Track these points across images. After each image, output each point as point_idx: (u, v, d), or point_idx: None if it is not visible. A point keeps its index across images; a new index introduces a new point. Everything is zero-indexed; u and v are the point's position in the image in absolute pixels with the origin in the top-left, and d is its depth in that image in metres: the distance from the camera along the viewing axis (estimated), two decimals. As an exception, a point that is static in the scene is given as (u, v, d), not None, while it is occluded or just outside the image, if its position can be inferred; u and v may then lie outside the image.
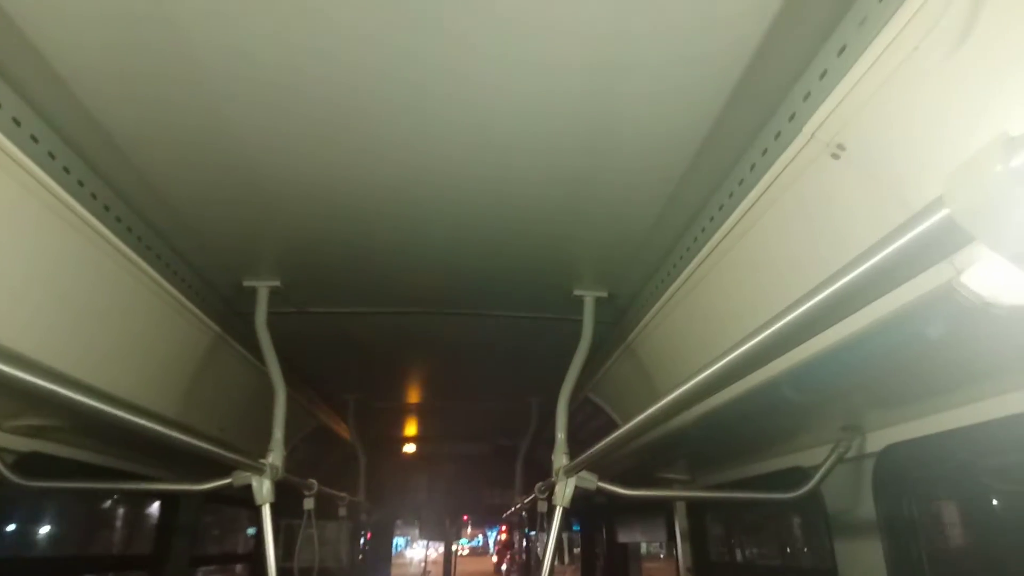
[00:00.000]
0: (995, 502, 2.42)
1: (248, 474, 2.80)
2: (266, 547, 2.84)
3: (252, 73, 1.60)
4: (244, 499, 2.87)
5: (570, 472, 2.74)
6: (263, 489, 2.82)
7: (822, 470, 2.46)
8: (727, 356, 1.24)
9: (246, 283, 2.94)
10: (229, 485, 2.79)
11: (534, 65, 1.58)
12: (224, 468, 2.79)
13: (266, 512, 2.85)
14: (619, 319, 3.32)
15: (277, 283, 2.95)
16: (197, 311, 2.85)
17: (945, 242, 0.73)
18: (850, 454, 2.43)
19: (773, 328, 1.08)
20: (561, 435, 3.09)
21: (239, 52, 1.53)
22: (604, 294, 3.05)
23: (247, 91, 1.67)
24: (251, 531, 5.89)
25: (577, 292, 3.05)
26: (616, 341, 3.46)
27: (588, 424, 4.47)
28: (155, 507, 4.02)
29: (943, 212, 0.70)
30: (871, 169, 1.49)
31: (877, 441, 2.37)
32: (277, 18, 1.44)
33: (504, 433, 7.35)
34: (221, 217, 2.34)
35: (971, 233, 0.69)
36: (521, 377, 4.95)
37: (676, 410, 1.68)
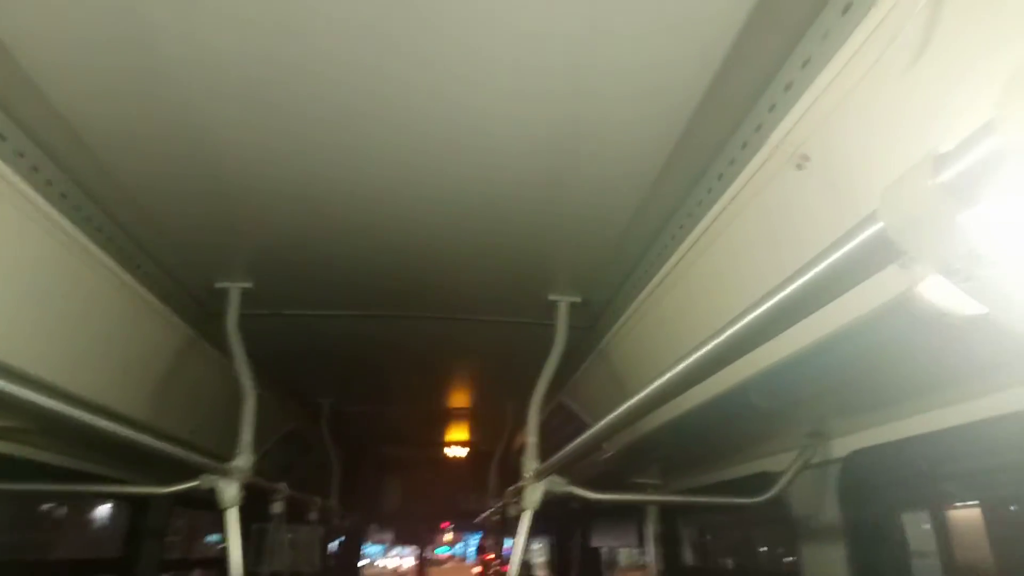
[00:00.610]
0: (957, 508, 2.48)
1: (215, 477, 2.78)
2: (231, 552, 2.81)
3: (224, 66, 1.59)
4: (217, 503, 2.84)
5: (540, 476, 2.76)
6: (230, 492, 2.79)
7: (788, 475, 2.50)
8: (686, 360, 1.26)
9: (218, 284, 2.91)
10: (196, 488, 2.76)
11: (511, 63, 1.59)
12: (194, 471, 2.76)
13: (232, 516, 2.82)
14: (593, 324, 3.35)
15: (250, 284, 2.93)
16: (168, 312, 2.83)
17: (881, 255, 0.75)
18: (816, 459, 2.47)
19: (727, 333, 1.10)
20: (532, 439, 3.10)
21: (210, 45, 1.52)
22: (578, 299, 3.07)
23: (218, 85, 1.65)
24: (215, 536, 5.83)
25: (551, 297, 3.07)
26: (590, 346, 3.48)
27: (562, 429, 4.48)
28: (125, 510, 3.96)
29: (878, 226, 0.72)
30: (834, 179, 1.52)
31: (842, 447, 2.41)
32: (251, 9, 1.44)
33: (480, 437, 7.34)
34: (192, 216, 2.33)
35: (902, 248, 0.71)
36: (496, 381, 4.96)
37: (642, 412, 1.70)
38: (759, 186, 1.76)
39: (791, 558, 2.77)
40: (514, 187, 2.13)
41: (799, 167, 1.59)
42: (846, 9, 1.35)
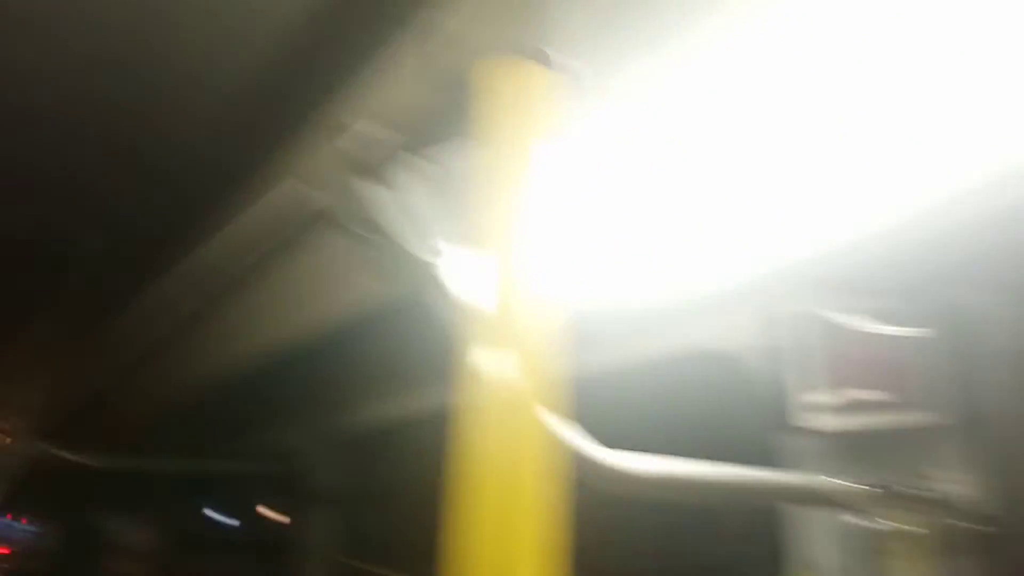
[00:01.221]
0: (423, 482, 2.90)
1: None
2: None
3: None
4: None
5: (23, 438, 2.42)
6: None
7: (303, 447, 2.65)
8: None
9: None
10: None
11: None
12: None
13: None
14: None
15: None
16: None
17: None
18: (329, 434, 2.67)
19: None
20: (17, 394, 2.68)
21: None
22: None
23: None
24: None
25: None
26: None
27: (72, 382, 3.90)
28: None
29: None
30: None
31: (352, 424, 2.64)
32: None
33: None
34: None
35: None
36: None
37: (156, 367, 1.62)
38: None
39: (302, 524, 2.91)
40: None
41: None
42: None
